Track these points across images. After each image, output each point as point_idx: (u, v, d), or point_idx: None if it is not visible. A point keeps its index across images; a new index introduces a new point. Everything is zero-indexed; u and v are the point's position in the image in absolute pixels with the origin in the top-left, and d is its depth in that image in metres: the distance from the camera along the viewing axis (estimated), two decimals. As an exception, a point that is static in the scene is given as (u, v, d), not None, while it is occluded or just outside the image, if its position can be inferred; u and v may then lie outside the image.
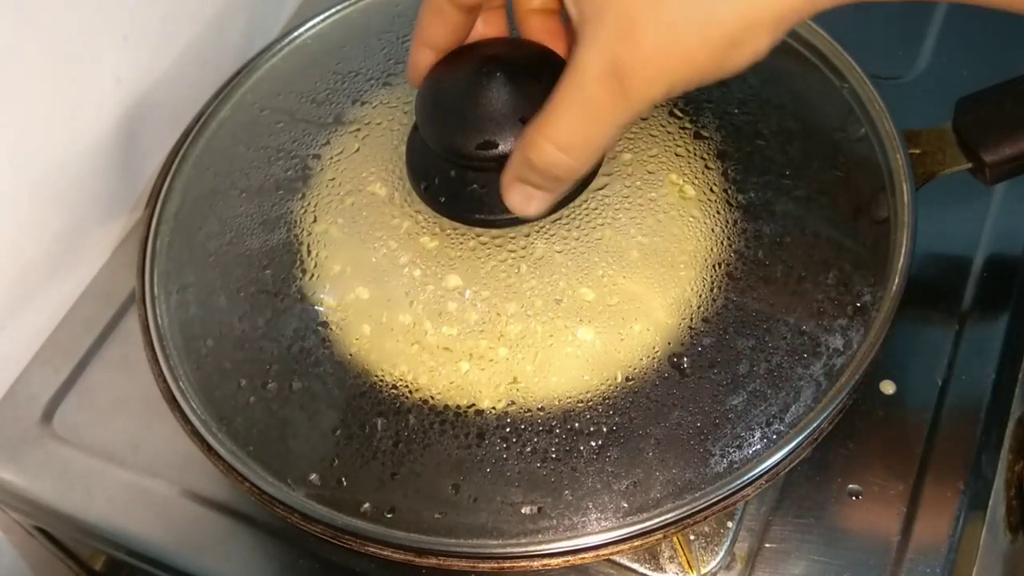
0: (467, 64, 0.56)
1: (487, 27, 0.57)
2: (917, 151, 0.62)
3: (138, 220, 0.76)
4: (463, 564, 0.53)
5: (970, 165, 0.61)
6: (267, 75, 0.76)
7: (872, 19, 0.83)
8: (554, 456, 0.58)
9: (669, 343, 0.61)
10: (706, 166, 0.68)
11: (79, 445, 0.67)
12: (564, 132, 0.48)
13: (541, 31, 0.56)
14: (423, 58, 0.57)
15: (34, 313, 0.72)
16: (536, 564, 0.52)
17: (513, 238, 0.65)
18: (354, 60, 0.75)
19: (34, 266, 0.70)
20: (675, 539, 0.57)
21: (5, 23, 0.62)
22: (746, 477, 0.54)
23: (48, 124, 0.67)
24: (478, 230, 0.64)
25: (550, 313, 0.62)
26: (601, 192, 0.66)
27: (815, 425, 0.54)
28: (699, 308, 0.63)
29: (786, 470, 0.53)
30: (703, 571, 0.58)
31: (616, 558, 0.58)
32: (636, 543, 0.52)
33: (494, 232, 0.64)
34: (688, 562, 0.58)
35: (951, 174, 0.62)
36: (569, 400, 0.60)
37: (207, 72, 0.79)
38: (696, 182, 0.67)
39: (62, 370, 0.71)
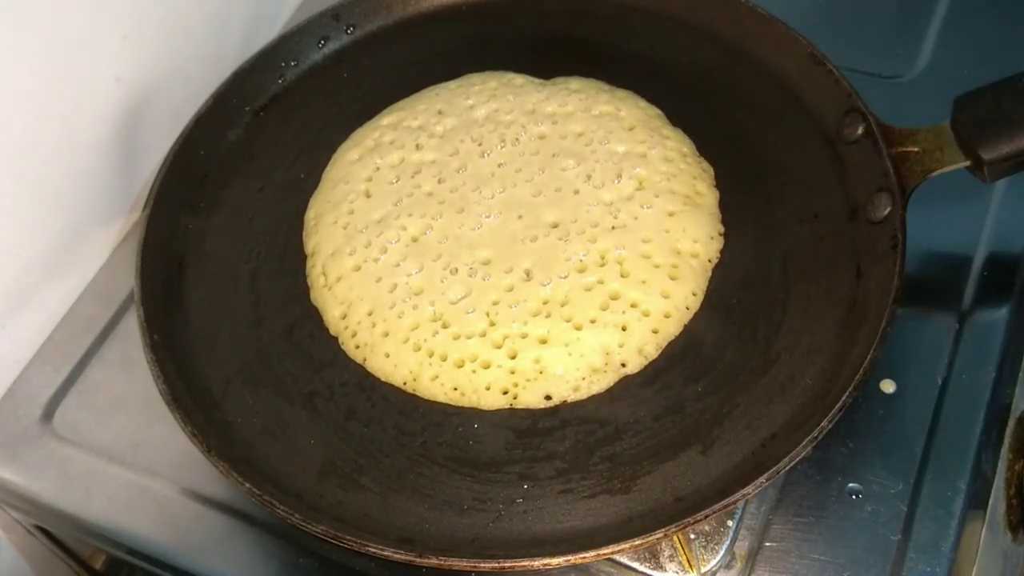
0: None
1: None
2: (915, 149, 0.62)
3: (137, 220, 0.76)
4: (463, 564, 0.53)
5: (968, 163, 0.61)
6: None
7: (873, 18, 0.83)
8: (555, 456, 0.58)
9: (669, 343, 0.61)
10: (703, 169, 0.68)
11: (79, 444, 0.67)
12: None
13: None
14: None
15: (34, 312, 0.72)
16: (536, 564, 0.52)
17: (517, 238, 0.65)
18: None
19: (34, 266, 0.70)
20: (675, 538, 0.57)
21: (5, 23, 0.62)
22: (746, 476, 0.54)
23: (48, 124, 0.67)
24: (482, 234, 0.65)
25: (551, 314, 0.62)
26: (602, 197, 0.67)
27: (815, 424, 0.54)
28: (698, 308, 0.63)
29: (786, 469, 0.53)
30: (703, 570, 0.58)
31: (616, 557, 0.58)
32: (636, 542, 0.52)
33: (497, 233, 0.65)
34: (688, 561, 0.58)
35: (950, 172, 0.62)
36: (569, 400, 0.60)
37: (207, 72, 0.79)
38: (695, 188, 0.67)
39: (62, 369, 0.71)
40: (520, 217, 0.66)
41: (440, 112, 0.72)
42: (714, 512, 0.52)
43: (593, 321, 0.61)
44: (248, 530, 0.63)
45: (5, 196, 0.66)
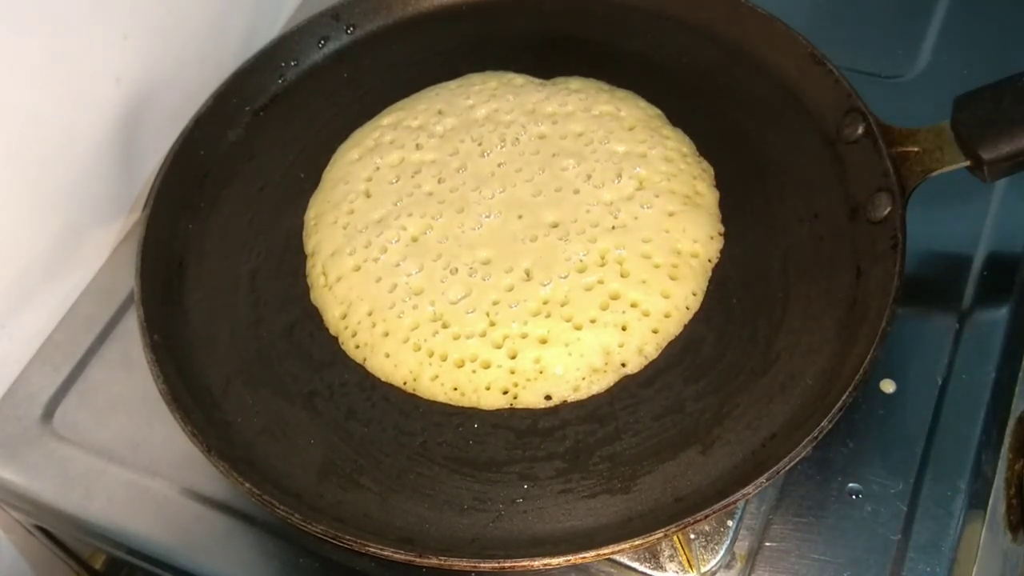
0: None
1: None
2: (915, 149, 0.63)
3: (137, 220, 0.76)
4: (463, 564, 0.53)
5: (968, 163, 0.61)
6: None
7: (873, 18, 0.83)
8: (555, 456, 0.58)
9: (669, 342, 0.61)
10: (703, 169, 0.68)
11: (79, 444, 0.67)
12: None
13: None
14: None
15: (34, 312, 0.72)
16: (536, 564, 0.52)
17: (520, 240, 0.65)
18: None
19: (34, 266, 0.70)
20: (675, 538, 0.57)
21: (5, 23, 0.62)
22: (746, 476, 0.54)
23: (48, 124, 0.67)
24: (482, 234, 0.65)
25: (551, 314, 0.62)
26: (602, 197, 0.67)
27: (815, 424, 0.54)
28: (697, 308, 0.63)
29: (786, 469, 0.53)
30: (703, 570, 0.58)
31: (616, 557, 0.58)
32: (637, 542, 0.52)
33: (496, 233, 0.65)
34: (688, 561, 0.58)
35: (950, 172, 0.62)
36: (569, 400, 0.60)
37: (207, 72, 0.79)
38: (695, 188, 0.67)
39: (62, 369, 0.71)
40: (520, 217, 0.66)
41: (440, 112, 0.72)
42: (714, 512, 0.52)
43: (593, 321, 0.61)
44: (248, 530, 0.63)
45: (5, 196, 0.66)
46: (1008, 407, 0.63)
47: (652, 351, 0.61)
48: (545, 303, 0.62)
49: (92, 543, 0.68)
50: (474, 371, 0.60)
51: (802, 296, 0.62)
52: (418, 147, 0.71)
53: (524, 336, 0.61)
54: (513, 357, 0.61)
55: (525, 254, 0.64)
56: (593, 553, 0.52)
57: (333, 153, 0.73)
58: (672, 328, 0.62)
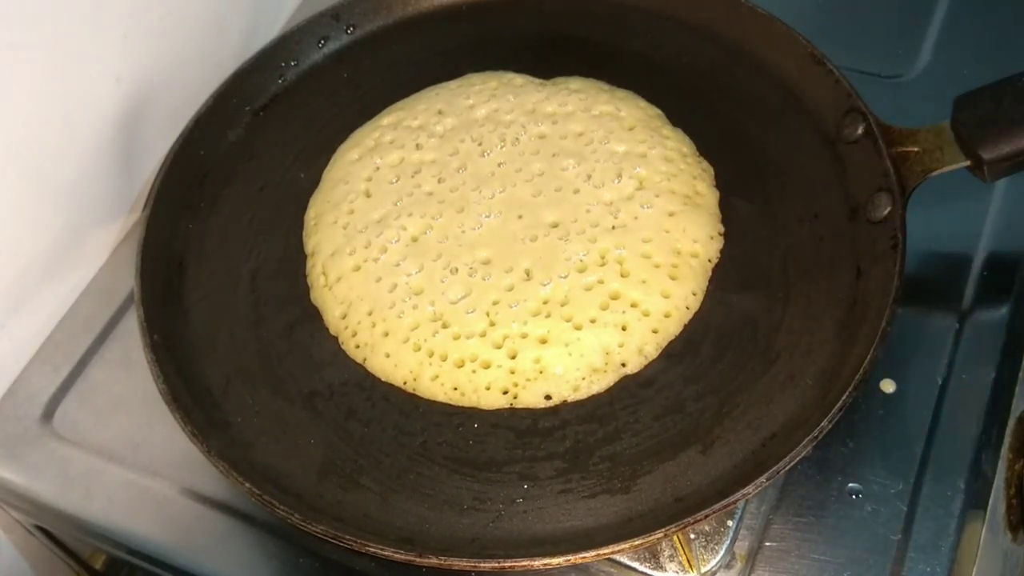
0: None
1: None
2: (915, 149, 0.63)
3: (137, 220, 0.76)
4: (463, 564, 0.53)
5: (968, 162, 0.61)
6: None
7: (873, 18, 0.83)
8: (555, 456, 0.58)
9: (669, 342, 0.61)
10: (703, 169, 0.68)
11: (79, 444, 0.67)
12: None
13: None
14: None
15: (34, 312, 0.72)
16: (537, 563, 0.52)
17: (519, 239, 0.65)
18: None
19: (34, 266, 0.70)
20: (675, 538, 0.57)
21: (5, 22, 0.62)
22: (746, 476, 0.54)
23: (48, 124, 0.67)
24: (482, 234, 0.65)
25: (551, 314, 0.62)
26: (602, 197, 0.67)
27: (815, 424, 0.54)
28: (697, 307, 0.63)
29: (786, 468, 0.53)
30: (703, 570, 0.58)
31: (617, 557, 0.58)
32: (636, 542, 0.52)
33: (495, 233, 0.65)
34: (688, 561, 0.58)
35: (950, 172, 0.62)
36: (569, 400, 0.60)
37: (207, 71, 0.79)
38: (695, 188, 0.67)
39: (62, 369, 0.71)
40: (520, 217, 0.66)
41: (440, 112, 0.72)
42: (714, 512, 0.52)
43: (593, 321, 0.61)
44: (248, 530, 0.63)
45: (5, 196, 0.66)
46: (1008, 407, 0.63)
47: (652, 351, 0.61)
48: (545, 303, 0.62)
49: (92, 543, 0.68)
50: (474, 371, 0.60)
51: (802, 296, 0.62)
52: (418, 147, 0.71)
53: (524, 336, 0.61)
54: (513, 357, 0.61)
55: (525, 254, 0.64)
56: (593, 553, 0.52)
57: (333, 153, 0.73)
58: (672, 328, 0.62)
